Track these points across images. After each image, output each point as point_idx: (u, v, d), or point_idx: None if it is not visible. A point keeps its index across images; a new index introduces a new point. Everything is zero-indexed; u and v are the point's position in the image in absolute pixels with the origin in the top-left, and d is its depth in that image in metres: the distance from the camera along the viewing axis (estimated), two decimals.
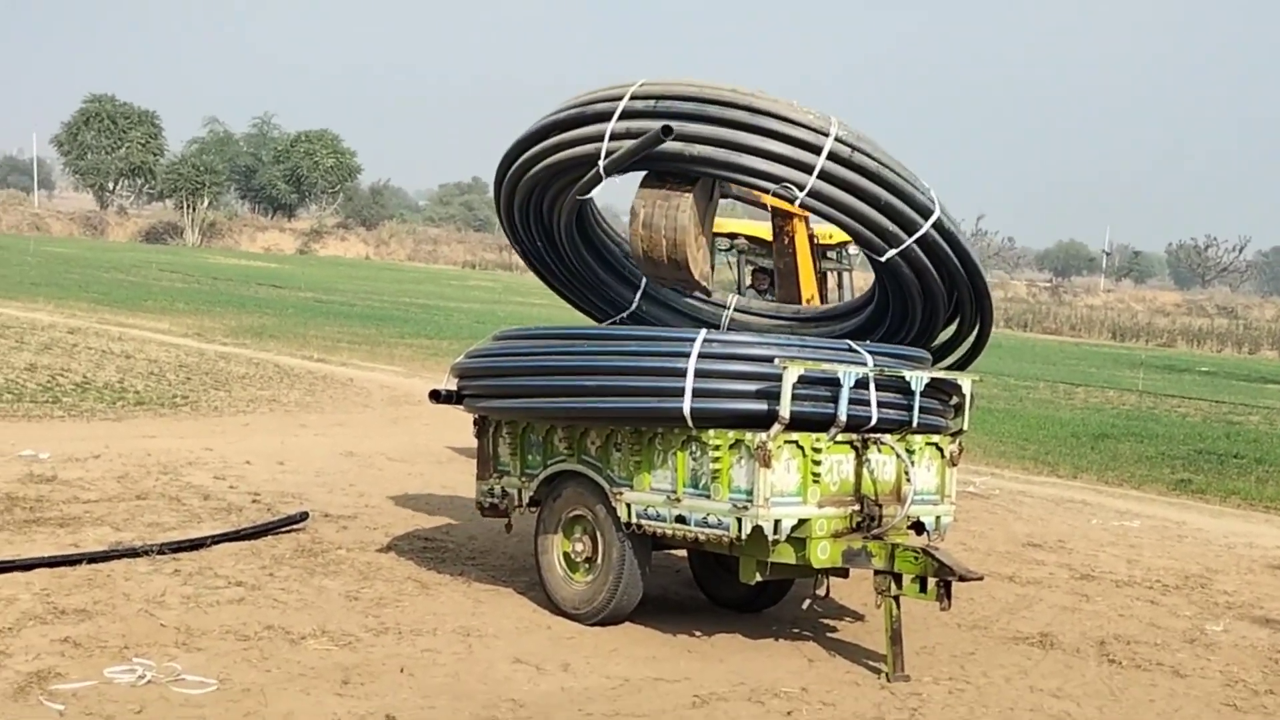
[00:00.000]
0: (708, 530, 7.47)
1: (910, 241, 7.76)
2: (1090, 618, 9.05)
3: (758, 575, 7.63)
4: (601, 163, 7.74)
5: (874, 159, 7.64)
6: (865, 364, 7.60)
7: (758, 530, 7.24)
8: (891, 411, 7.67)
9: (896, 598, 7.42)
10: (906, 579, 7.40)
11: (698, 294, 8.79)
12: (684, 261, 7.97)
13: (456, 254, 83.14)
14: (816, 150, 7.50)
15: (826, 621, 8.54)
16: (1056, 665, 7.90)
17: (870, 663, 7.63)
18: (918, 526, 7.99)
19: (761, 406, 7.31)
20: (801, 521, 7.37)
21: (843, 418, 7.34)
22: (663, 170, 7.87)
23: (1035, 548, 11.27)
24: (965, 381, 8.13)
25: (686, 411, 7.33)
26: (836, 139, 7.52)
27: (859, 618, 8.64)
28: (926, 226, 7.76)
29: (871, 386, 7.54)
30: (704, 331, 7.51)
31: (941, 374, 8.11)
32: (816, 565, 7.48)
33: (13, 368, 17.32)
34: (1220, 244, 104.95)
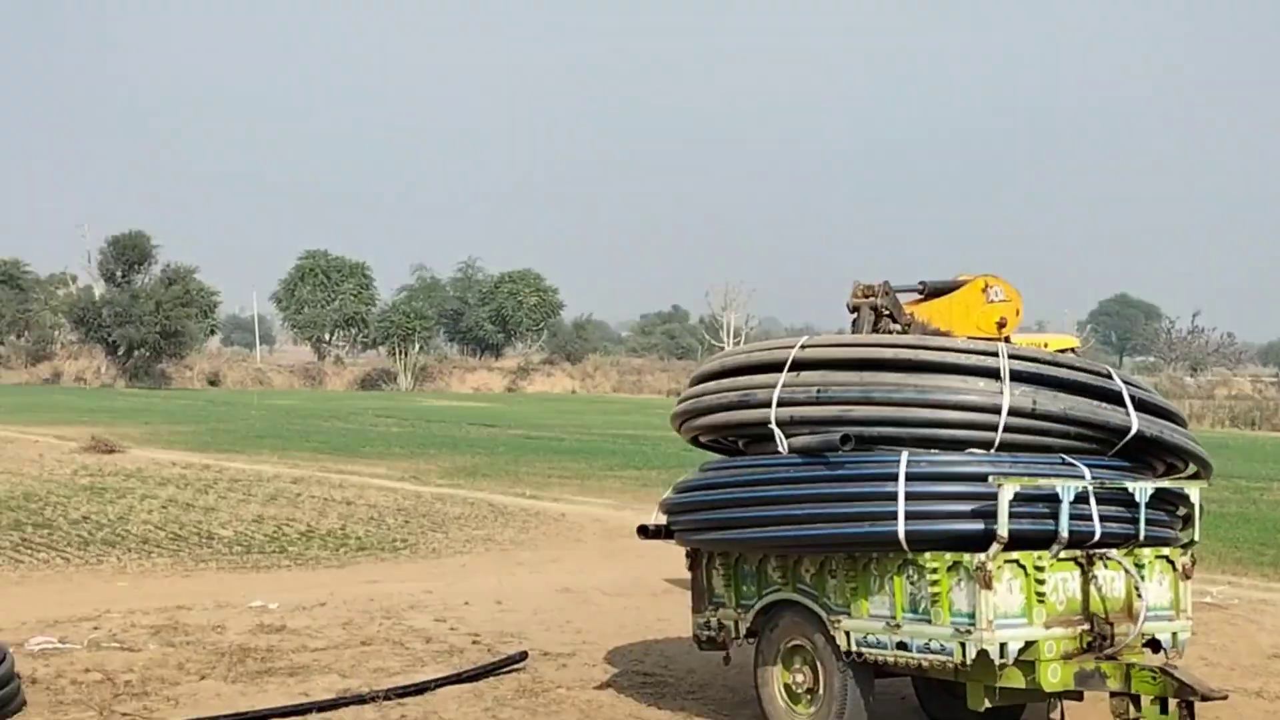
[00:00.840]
0: (931, 656, 7.27)
1: (1110, 454, 7.70)
2: None
3: (986, 701, 7.38)
4: (781, 444, 7.75)
5: (1058, 404, 7.50)
6: (1083, 477, 7.36)
7: (983, 654, 7.02)
8: (1116, 525, 7.40)
9: None
10: (1145, 700, 7.07)
11: None
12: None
13: (660, 383, 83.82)
14: (995, 411, 7.38)
15: None
16: None
17: None
18: (1153, 644, 7.65)
19: (978, 526, 7.13)
20: (1029, 644, 7.12)
21: (1064, 534, 7.12)
22: None
23: None
24: (1193, 490, 7.82)
25: (901, 534, 7.19)
26: (1014, 394, 7.38)
27: None
28: (1123, 443, 7.67)
29: (1092, 500, 7.30)
30: (908, 451, 7.39)
31: (1167, 483, 7.81)
32: (1048, 689, 7.21)
33: (241, 520, 17.96)
34: None
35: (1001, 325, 8.82)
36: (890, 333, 8.42)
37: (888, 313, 8.57)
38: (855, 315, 8.56)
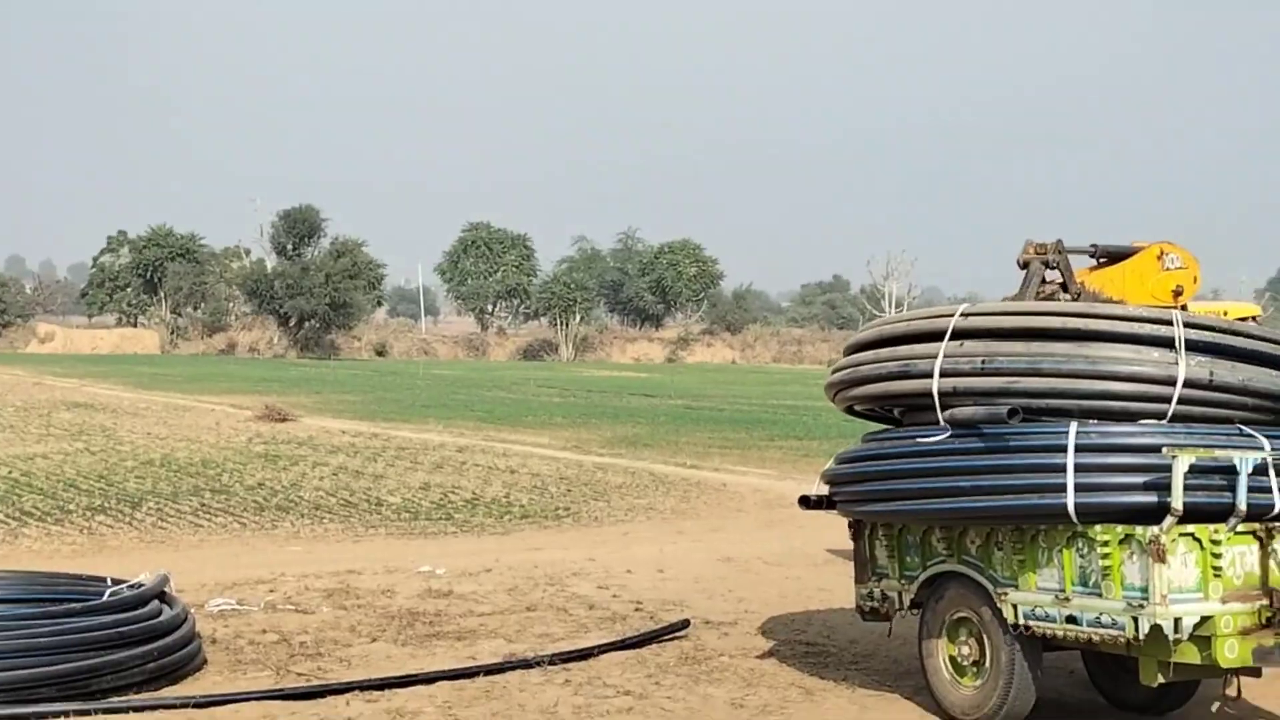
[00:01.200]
0: (1102, 631, 7.13)
1: None
2: None
3: (1160, 676, 7.21)
4: (940, 415, 7.65)
5: (1236, 375, 7.28)
6: (1263, 448, 7.14)
7: (1156, 629, 6.87)
8: None
9: None
10: None
11: None
12: None
13: (821, 353, 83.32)
14: (1170, 383, 7.18)
15: None
16: None
17: None
18: None
19: (1151, 499, 6.97)
20: (1204, 619, 6.93)
21: (1242, 507, 6.91)
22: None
23: None
24: None
25: (1070, 507, 7.06)
26: (1190, 365, 7.18)
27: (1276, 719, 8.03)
28: None
29: (1271, 472, 7.07)
30: (1077, 422, 7.22)
31: None
32: (1224, 665, 7.01)
33: (409, 487, 18.34)
34: None
35: (1178, 293, 8.57)
36: (1060, 299, 8.24)
37: (1057, 268, 8.39)
38: (1025, 272, 8.39)
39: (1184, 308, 8.19)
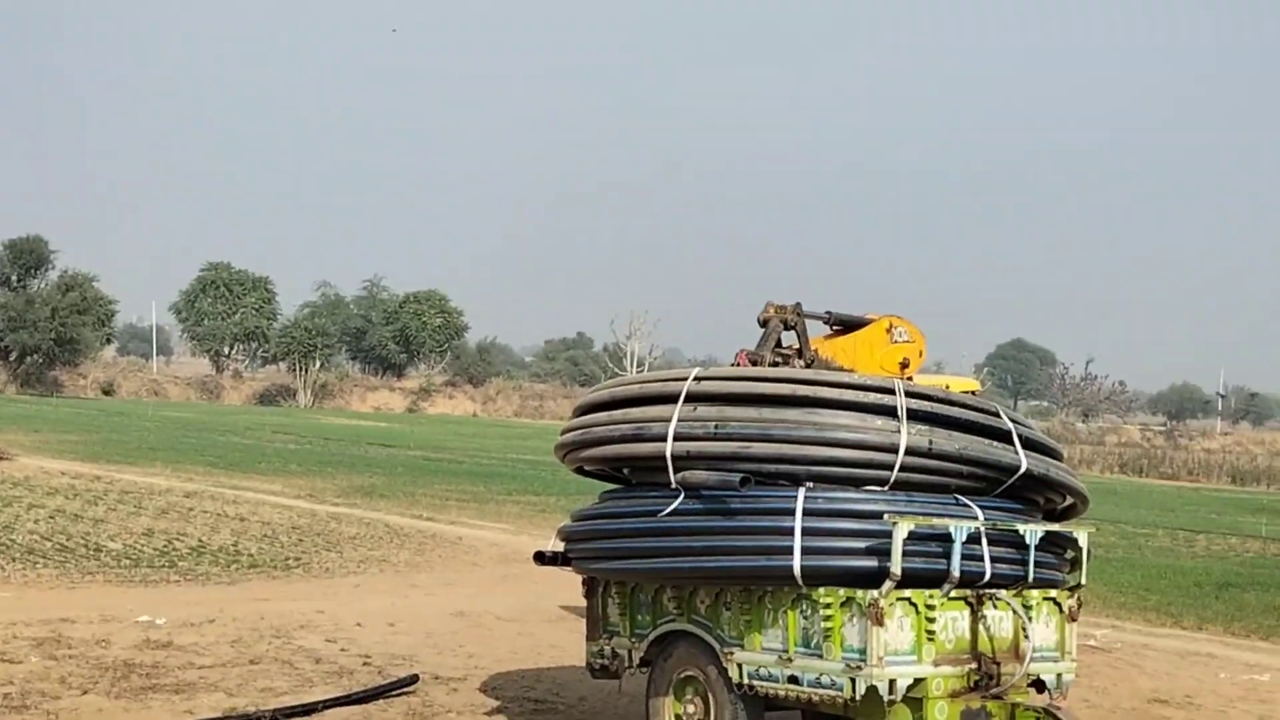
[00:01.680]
0: (821, 691, 7.34)
1: (999, 490, 7.83)
2: None
3: None
4: (673, 478, 7.76)
5: (952, 443, 7.61)
6: (976, 517, 7.49)
7: (872, 690, 7.10)
8: (1006, 566, 7.53)
9: None
10: None
11: None
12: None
13: (563, 409, 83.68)
14: (893, 450, 7.46)
15: None
16: None
17: None
18: (1038, 685, 7.79)
19: (872, 563, 7.22)
20: (917, 681, 7.21)
21: (956, 573, 7.23)
22: None
23: (1162, 704, 10.90)
24: (1081, 534, 7.98)
25: (796, 569, 7.26)
26: (911, 434, 7.47)
27: None
28: (1011, 481, 7.81)
29: (984, 541, 7.43)
30: (804, 487, 7.45)
31: (1057, 527, 7.96)
32: None
33: (131, 533, 17.66)
34: None
35: (904, 366, 8.94)
36: (794, 364, 8.49)
37: (794, 330, 8.63)
38: (764, 329, 8.60)
39: (909, 379, 8.55)
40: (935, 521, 7.30)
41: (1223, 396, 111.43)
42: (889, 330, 8.98)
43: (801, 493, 7.39)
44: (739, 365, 8.50)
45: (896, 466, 7.46)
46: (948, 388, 12.25)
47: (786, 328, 8.67)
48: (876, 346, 8.95)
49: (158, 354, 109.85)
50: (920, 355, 9.13)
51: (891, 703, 7.18)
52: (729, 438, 7.61)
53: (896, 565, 7.07)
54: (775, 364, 8.47)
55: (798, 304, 8.69)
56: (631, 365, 79.46)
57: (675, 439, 7.73)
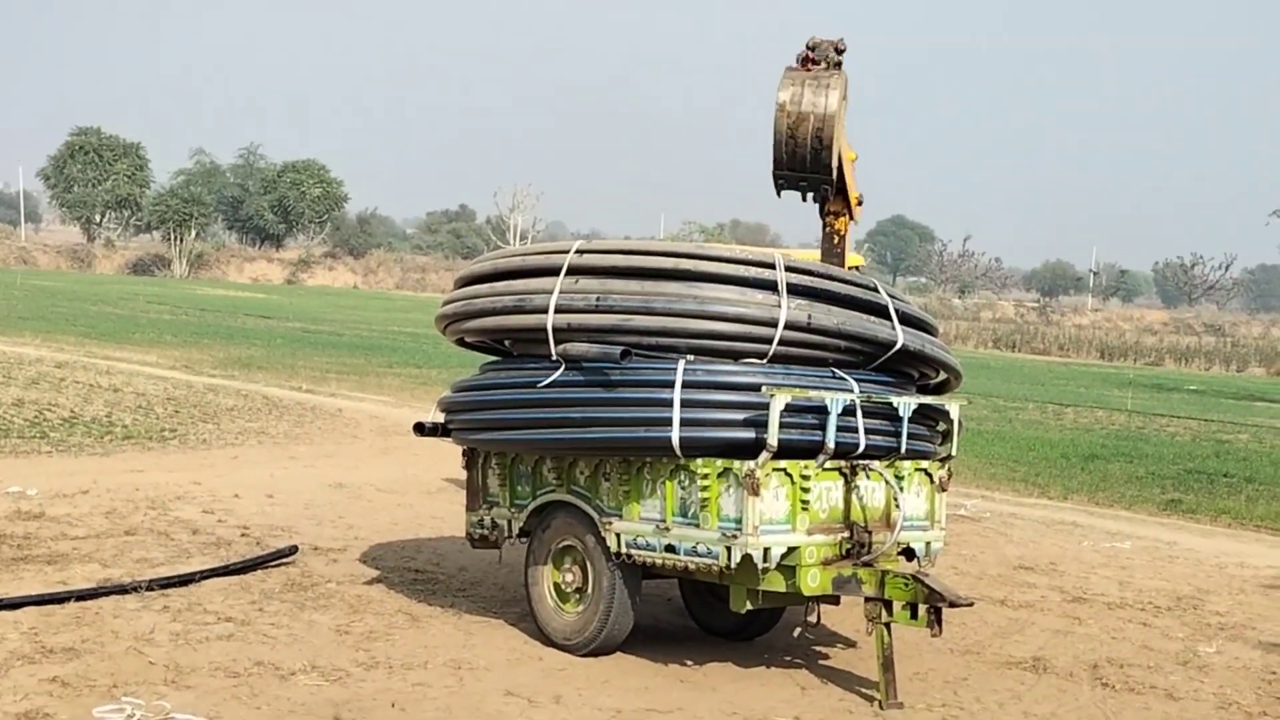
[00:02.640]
0: (697, 559, 7.45)
1: (875, 364, 7.96)
2: (1083, 641, 9.04)
3: (748, 604, 7.61)
4: (553, 350, 7.75)
5: (831, 318, 7.68)
6: (852, 391, 7.60)
7: (747, 559, 7.23)
8: (880, 438, 7.68)
9: (888, 624, 7.40)
10: (897, 606, 7.39)
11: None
12: (829, 142, 8.24)
13: (445, 282, 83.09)
14: (772, 324, 7.50)
15: (818, 649, 8.52)
16: (1050, 690, 7.88)
17: (863, 690, 7.61)
18: (908, 553, 7.99)
19: (749, 435, 7.31)
20: (791, 549, 7.35)
21: (831, 445, 7.35)
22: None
23: (1027, 570, 11.26)
24: (953, 407, 8.15)
25: (675, 441, 7.33)
26: (790, 308, 7.52)
27: (851, 645, 8.62)
28: (887, 356, 7.93)
29: (859, 413, 7.55)
30: (684, 360, 7.50)
31: (929, 400, 8.12)
32: (807, 593, 7.46)
33: (0, 404, 17.26)
34: (1206, 262, 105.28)
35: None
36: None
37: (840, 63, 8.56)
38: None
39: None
40: (811, 394, 7.39)
41: (1094, 273, 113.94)
42: None
43: (681, 365, 7.43)
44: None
45: (775, 340, 7.52)
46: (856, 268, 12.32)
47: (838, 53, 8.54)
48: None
49: (26, 221, 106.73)
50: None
51: (765, 570, 7.32)
52: (610, 310, 7.60)
53: (773, 437, 7.16)
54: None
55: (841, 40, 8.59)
56: (515, 238, 79.15)
57: (556, 311, 7.71)
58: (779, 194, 9.03)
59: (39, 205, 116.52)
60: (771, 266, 7.62)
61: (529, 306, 7.88)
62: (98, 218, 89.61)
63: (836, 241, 9.68)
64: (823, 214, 9.50)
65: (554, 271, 7.86)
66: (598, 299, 7.65)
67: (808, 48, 8.68)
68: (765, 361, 7.58)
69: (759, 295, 7.57)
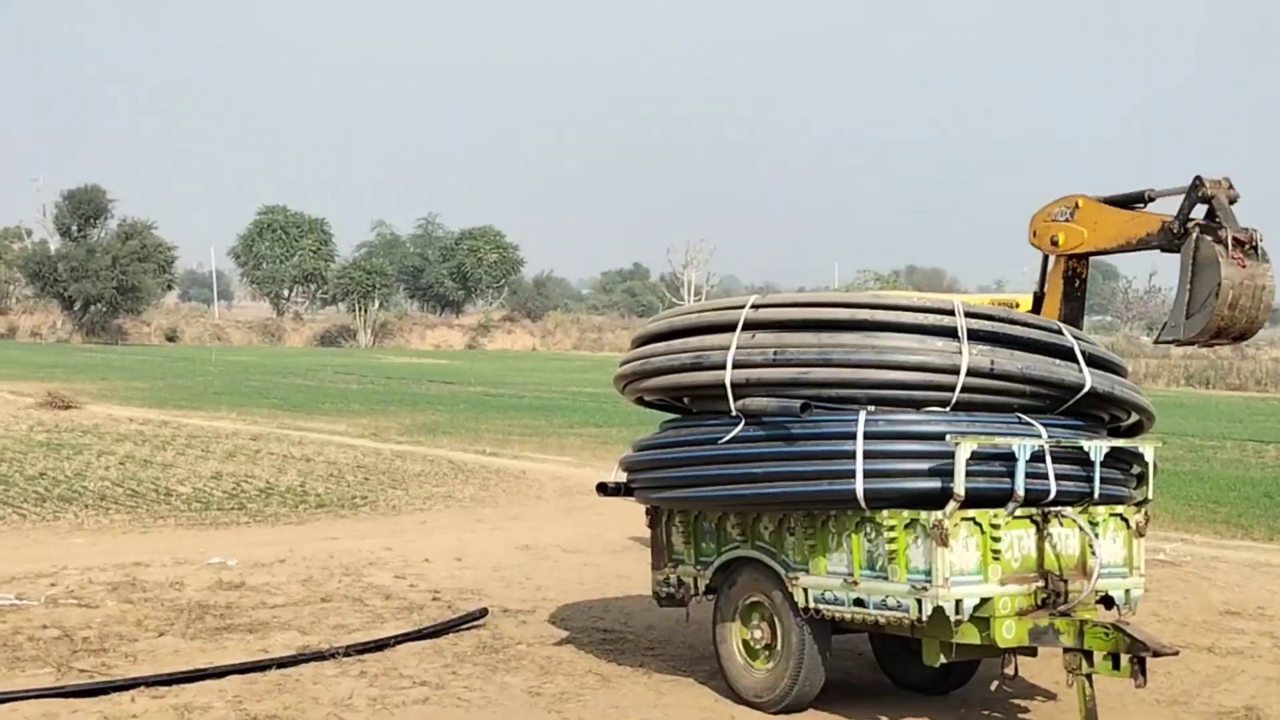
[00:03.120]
0: (887, 613, 7.34)
1: (1063, 408, 7.76)
2: None
3: (942, 657, 7.46)
4: (733, 406, 7.76)
5: (1015, 363, 7.52)
6: (1040, 436, 7.43)
7: (939, 611, 7.09)
8: (1071, 484, 7.47)
9: (1089, 676, 7.18)
10: (1098, 656, 7.16)
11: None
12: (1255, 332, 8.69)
13: (621, 341, 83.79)
14: (953, 371, 7.39)
15: (1017, 702, 8.31)
16: None
17: None
18: (1106, 601, 7.75)
19: (935, 484, 7.19)
20: (984, 600, 7.19)
21: (1020, 492, 7.18)
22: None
23: (1233, 616, 10.83)
24: (1147, 449, 7.90)
25: (859, 493, 7.24)
26: (972, 354, 7.41)
27: (1051, 697, 8.37)
28: (1075, 399, 7.72)
29: (1048, 459, 7.37)
30: (865, 410, 7.42)
31: (1122, 443, 7.89)
32: (1002, 645, 7.28)
33: (200, 476, 17.89)
34: None
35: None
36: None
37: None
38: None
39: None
40: (998, 441, 7.24)
41: None
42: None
43: (862, 416, 7.35)
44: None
45: (958, 388, 7.40)
46: (1017, 305, 12.13)
47: (1231, 202, 8.73)
48: None
49: (218, 299, 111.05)
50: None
51: (958, 622, 7.17)
52: (787, 363, 7.57)
53: (960, 485, 7.03)
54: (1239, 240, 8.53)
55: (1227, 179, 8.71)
56: (689, 294, 79.48)
57: (734, 366, 7.71)
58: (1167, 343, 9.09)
59: (230, 283, 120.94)
60: (950, 312, 7.51)
61: (706, 363, 7.89)
62: (286, 292, 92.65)
63: (1077, 285, 9.91)
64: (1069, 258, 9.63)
65: (730, 327, 7.86)
66: (774, 353, 7.63)
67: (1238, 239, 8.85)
68: (948, 409, 7.45)
69: (939, 343, 7.46)
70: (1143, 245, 9.69)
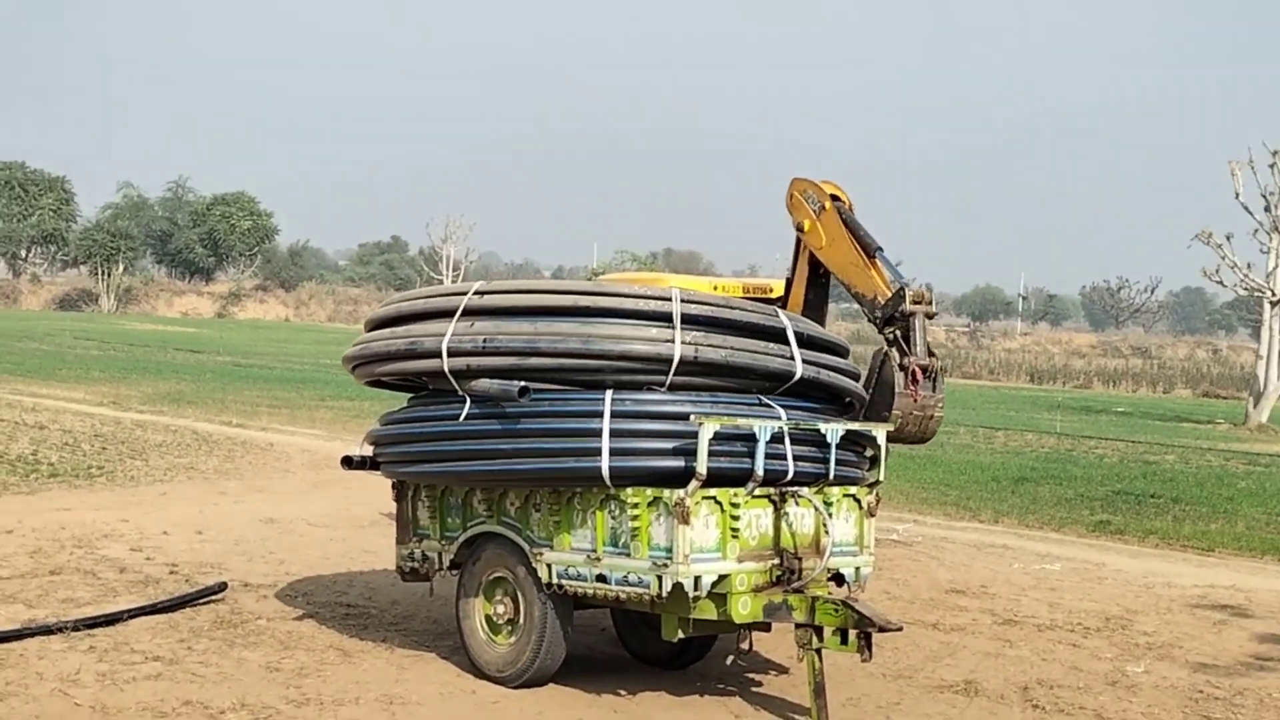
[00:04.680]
0: (629, 589, 7.46)
1: (775, 394, 7.93)
2: (1013, 663, 9.12)
3: (680, 632, 7.62)
4: (458, 389, 7.82)
5: (723, 349, 7.64)
6: (780, 418, 7.65)
7: (678, 587, 7.24)
8: (808, 465, 7.71)
9: (819, 650, 7.43)
10: (828, 631, 7.42)
11: None
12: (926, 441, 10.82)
13: None
14: (667, 362, 7.48)
15: (751, 676, 8.55)
16: (981, 712, 7.95)
17: (796, 716, 7.65)
18: (838, 578, 8.02)
19: (679, 463, 7.33)
20: (722, 577, 7.37)
21: (759, 472, 7.38)
22: None
23: (958, 594, 11.35)
24: (880, 432, 8.21)
25: (605, 471, 7.34)
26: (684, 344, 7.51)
27: (783, 671, 8.65)
28: (785, 386, 7.91)
29: (787, 440, 7.59)
30: (612, 391, 7.51)
31: (856, 425, 8.17)
32: (738, 620, 7.48)
33: None
34: (1132, 285, 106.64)
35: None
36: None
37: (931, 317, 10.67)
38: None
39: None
40: (740, 422, 7.43)
41: (1023, 298, 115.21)
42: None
43: (609, 395, 7.44)
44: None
45: (670, 375, 7.50)
46: (770, 290, 12.29)
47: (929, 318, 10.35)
48: None
49: None
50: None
51: (696, 598, 7.34)
52: (497, 351, 7.62)
53: (702, 465, 7.19)
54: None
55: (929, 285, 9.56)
56: (447, 270, 78.89)
57: (450, 354, 7.72)
58: None
59: None
60: (667, 299, 7.62)
61: (420, 350, 7.95)
62: (23, 253, 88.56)
63: (822, 273, 11.13)
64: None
65: (449, 314, 7.89)
66: (484, 340, 7.67)
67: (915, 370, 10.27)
68: (663, 389, 7.56)
69: (652, 330, 7.56)
70: (856, 299, 10.51)
